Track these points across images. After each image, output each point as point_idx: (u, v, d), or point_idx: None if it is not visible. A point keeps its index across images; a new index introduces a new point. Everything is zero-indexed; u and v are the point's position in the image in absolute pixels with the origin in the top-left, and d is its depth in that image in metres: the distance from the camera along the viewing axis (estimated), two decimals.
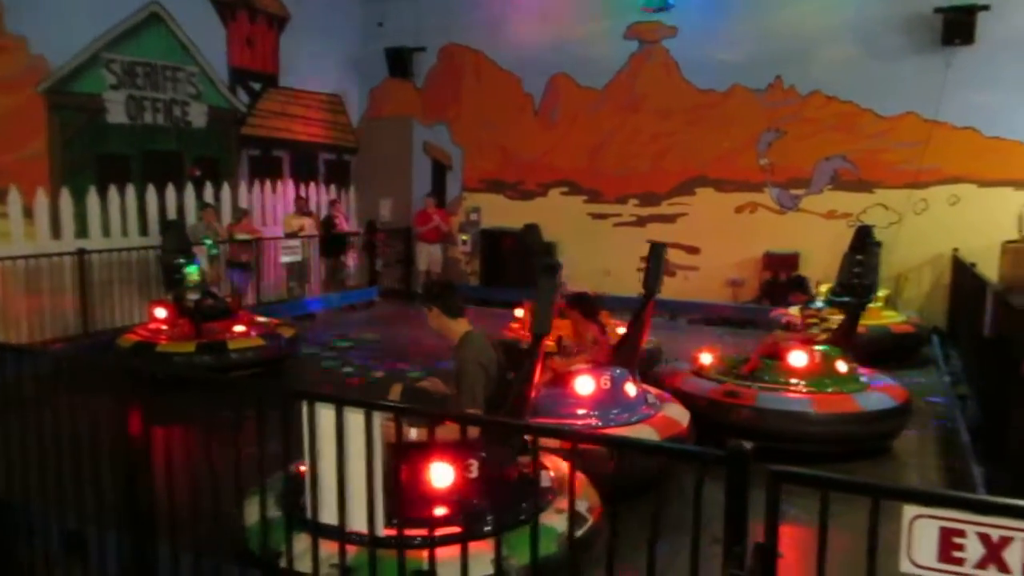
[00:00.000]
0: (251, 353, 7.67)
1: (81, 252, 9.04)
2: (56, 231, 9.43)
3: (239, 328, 7.96)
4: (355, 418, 2.40)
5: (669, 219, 12.21)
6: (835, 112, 11.02)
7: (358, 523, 2.45)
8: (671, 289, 10.69)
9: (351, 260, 12.84)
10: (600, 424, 4.98)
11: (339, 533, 2.52)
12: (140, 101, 10.40)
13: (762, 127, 11.52)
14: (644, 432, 4.82)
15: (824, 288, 9.45)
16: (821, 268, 10.59)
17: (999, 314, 5.56)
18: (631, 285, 12.29)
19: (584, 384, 5.11)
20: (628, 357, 5.55)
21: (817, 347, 6.09)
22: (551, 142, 12.99)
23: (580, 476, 3.52)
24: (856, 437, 5.59)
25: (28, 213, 9.14)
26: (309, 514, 2.54)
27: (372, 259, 13.54)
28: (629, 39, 12.27)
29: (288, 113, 12.92)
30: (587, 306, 5.66)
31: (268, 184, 12.59)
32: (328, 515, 2.48)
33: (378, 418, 2.37)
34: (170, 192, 10.87)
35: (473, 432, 3.19)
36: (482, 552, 2.72)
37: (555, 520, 3.24)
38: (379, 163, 14.25)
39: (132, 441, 3.05)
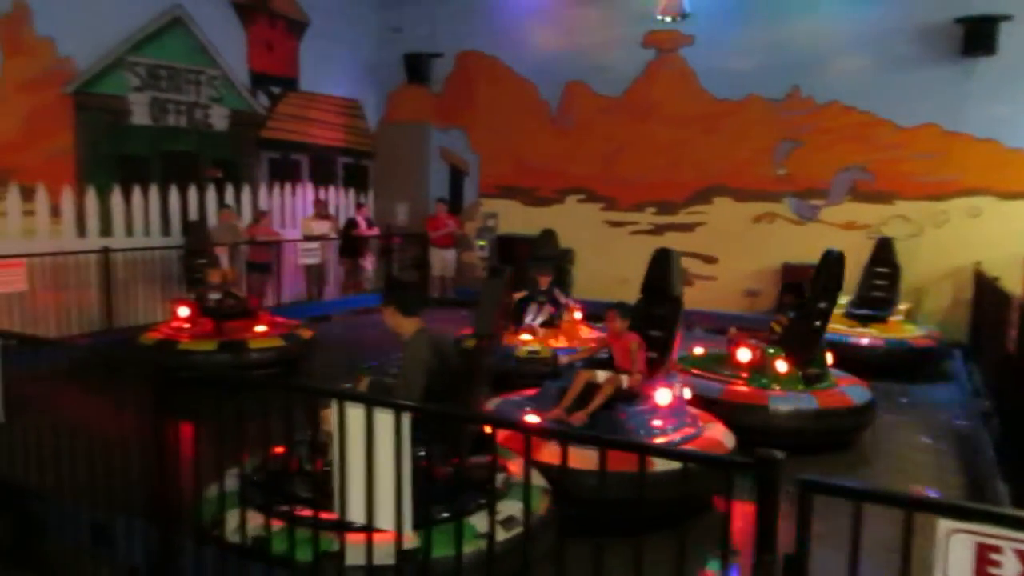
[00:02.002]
0: (271, 353, 7.72)
1: (105, 250, 9.15)
2: (82, 229, 9.55)
3: (260, 328, 8.01)
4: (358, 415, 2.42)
5: (687, 228, 12.19)
6: (853, 122, 10.98)
7: (385, 523, 2.47)
8: (687, 298, 10.68)
9: (369, 263, 12.89)
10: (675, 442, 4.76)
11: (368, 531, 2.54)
12: (163, 103, 10.51)
13: (779, 137, 11.49)
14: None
15: (843, 300, 9.44)
16: None
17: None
18: None
19: (663, 395, 5.03)
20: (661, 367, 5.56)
21: (769, 348, 6.51)
22: (567, 149, 13.01)
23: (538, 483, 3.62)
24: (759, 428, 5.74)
25: (55, 211, 9.26)
26: (337, 512, 2.56)
27: (389, 263, 13.59)
28: (646, 47, 12.28)
29: (307, 117, 13.01)
30: (629, 315, 5.57)
31: (287, 187, 12.67)
32: (356, 514, 2.50)
33: (407, 420, 2.39)
34: (191, 193, 10.97)
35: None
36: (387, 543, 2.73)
37: (478, 521, 3.22)
38: (396, 168, 14.31)
39: (160, 435, 3.08)
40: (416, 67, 13.72)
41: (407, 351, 3.74)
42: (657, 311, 5.90)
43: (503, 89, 13.38)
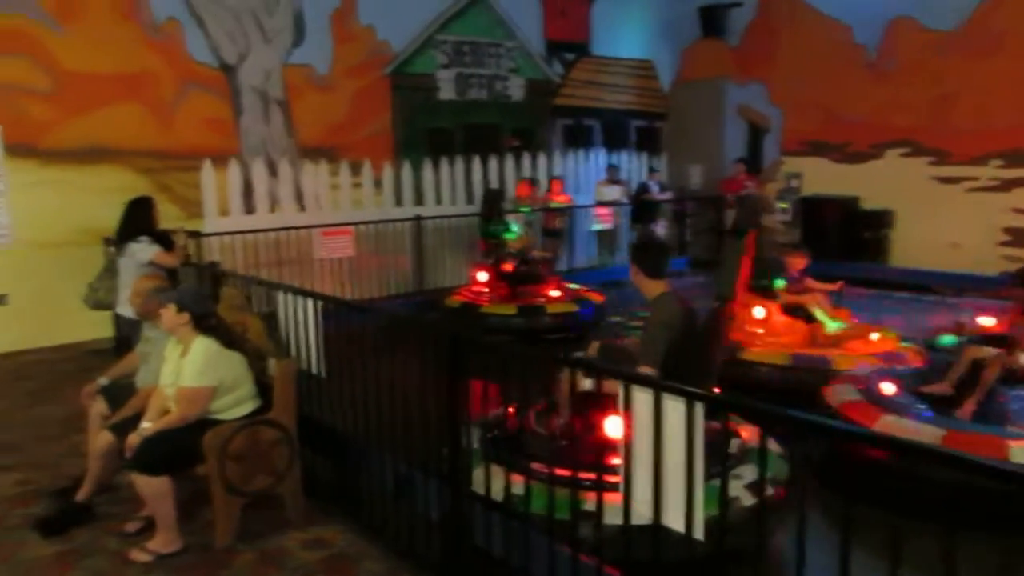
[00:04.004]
0: (564, 318, 7.84)
1: (417, 218, 9.96)
2: (399, 199, 10.50)
3: (554, 293, 8.18)
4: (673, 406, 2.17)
5: None
6: None
7: (673, 520, 2.24)
8: None
9: (661, 229, 12.59)
10: None
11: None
12: (466, 78, 11.12)
13: None
14: None
15: None
16: None
17: None
18: (985, 262, 10.48)
19: None
20: None
21: None
22: (887, 96, 11.45)
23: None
24: None
25: (377, 183, 10.28)
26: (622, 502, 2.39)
27: (682, 228, 13.16)
28: None
29: (599, 82, 12.95)
30: None
31: (580, 153, 12.78)
32: (642, 507, 2.30)
33: (700, 409, 2.12)
34: (492, 163, 11.51)
35: None
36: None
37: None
38: (690, 128, 13.74)
39: (452, 400, 3.15)
40: (712, 19, 13.01)
41: (651, 313, 3.73)
42: None
43: (811, 34, 12.14)
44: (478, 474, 3.23)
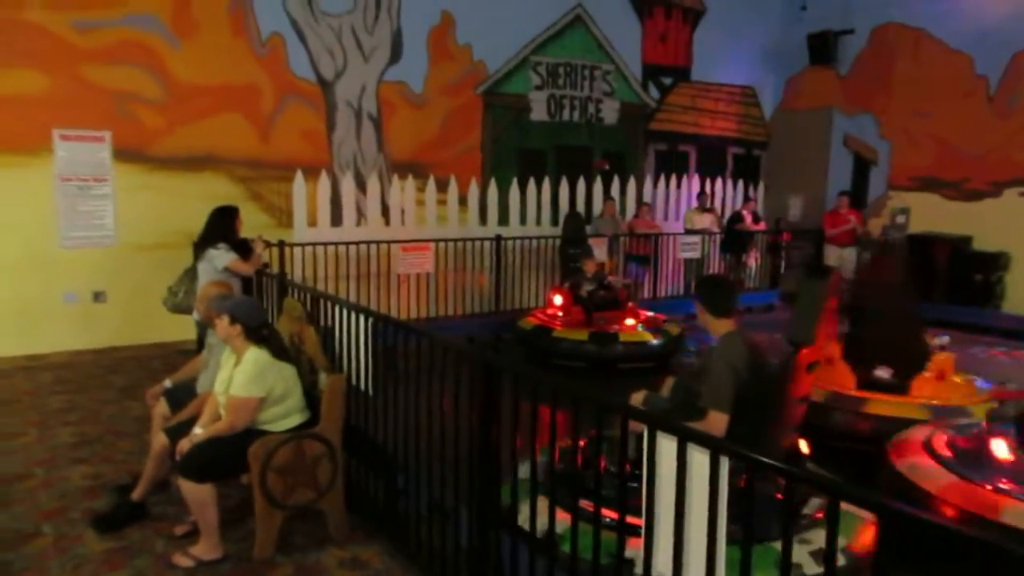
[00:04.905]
0: (640, 347, 7.60)
1: (498, 238, 9.92)
2: (483, 218, 10.50)
3: (630, 321, 7.95)
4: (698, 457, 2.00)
5: None
6: None
7: None
8: None
9: (752, 260, 12.14)
10: None
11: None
12: (559, 99, 11.07)
13: None
14: None
15: None
16: None
17: None
18: None
19: None
20: None
21: None
22: (1009, 132, 10.68)
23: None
24: None
25: (463, 201, 10.32)
26: (643, 558, 2.21)
27: (775, 260, 12.65)
28: None
29: (697, 107, 12.66)
30: None
31: (672, 179, 12.49)
32: (662, 564, 2.13)
33: (726, 464, 1.93)
34: (580, 185, 11.38)
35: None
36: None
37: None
38: (792, 158, 13.24)
39: (485, 429, 3.06)
40: (821, 47, 12.51)
41: (715, 353, 3.53)
42: None
43: (927, 65, 11.49)
44: (525, 507, 3.05)
